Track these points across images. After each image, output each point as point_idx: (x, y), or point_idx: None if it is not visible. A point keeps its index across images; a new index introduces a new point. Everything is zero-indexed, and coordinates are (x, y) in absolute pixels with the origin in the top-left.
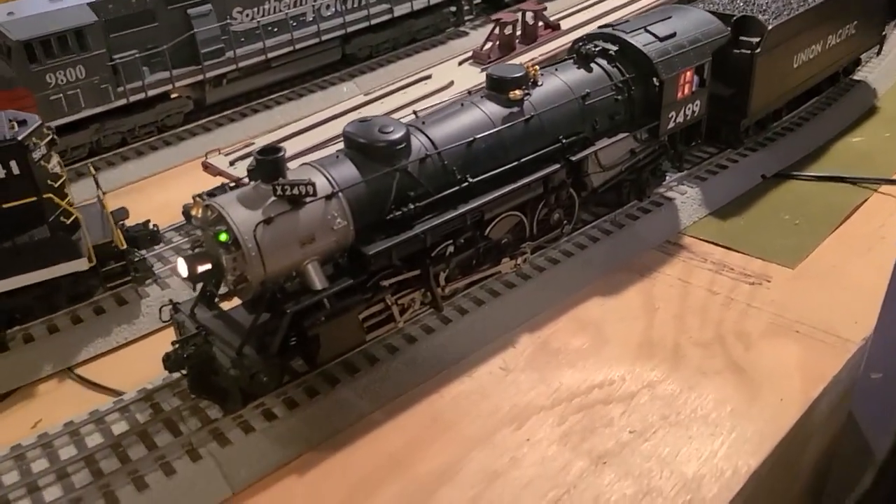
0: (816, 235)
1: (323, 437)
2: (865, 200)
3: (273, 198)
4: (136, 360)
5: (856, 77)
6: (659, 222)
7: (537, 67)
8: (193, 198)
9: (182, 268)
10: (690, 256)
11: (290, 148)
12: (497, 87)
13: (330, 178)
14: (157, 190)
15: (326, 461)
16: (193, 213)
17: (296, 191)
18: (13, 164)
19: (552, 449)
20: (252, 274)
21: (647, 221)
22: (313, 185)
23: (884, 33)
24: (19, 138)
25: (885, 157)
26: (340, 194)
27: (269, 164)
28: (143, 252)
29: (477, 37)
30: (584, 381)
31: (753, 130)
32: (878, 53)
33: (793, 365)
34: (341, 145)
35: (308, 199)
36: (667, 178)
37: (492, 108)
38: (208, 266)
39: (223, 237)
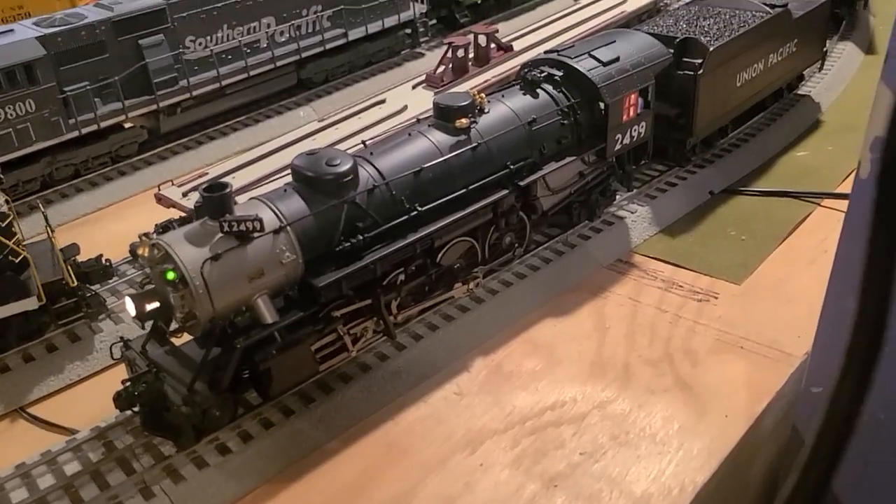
0: (762, 251)
1: (278, 469)
2: (809, 214)
3: (220, 234)
4: (91, 397)
5: (800, 92)
6: (610, 242)
7: (483, 95)
8: (140, 237)
9: (130, 307)
10: (641, 275)
11: (243, 178)
12: (444, 116)
13: (278, 212)
14: (112, 221)
15: (282, 493)
16: (140, 252)
17: (243, 227)
18: None
19: (505, 473)
20: (200, 311)
21: (598, 241)
22: (260, 220)
23: (825, 49)
24: None
25: (828, 171)
26: (289, 228)
27: (215, 200)
28: (96, 287)
29: (433, 58)
30: (536, 403)
31: (700, 148)
32: (820, 69)
33: (738, 381)
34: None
35: (256, 235)
36: (617, 197)
37: (439, 137)
38: (156, 304)
39: (170, 276)
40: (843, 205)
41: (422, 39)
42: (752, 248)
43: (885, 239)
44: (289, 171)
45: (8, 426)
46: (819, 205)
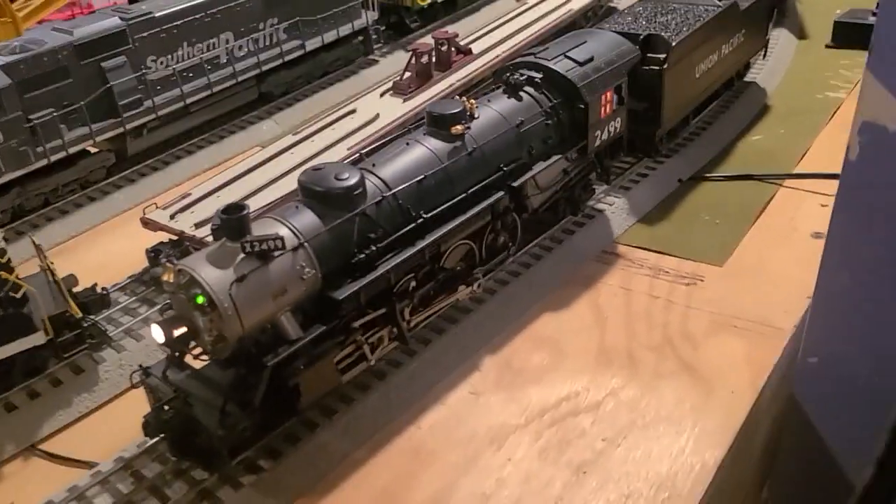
0: (736, 232)
1: (311, 482)
2: (774, 195)
3: (242, 255)
4: (102, 428)
5: (746, 79)
6: (593, 234)
7: (473, 101)
8: (163, 263)
9: (157, 334)
10: (628, 264)
11: (230, 195)
12: (438, 124)
13: (294, 229)
14: (87, 249)
15: None
16: (165, 278)
17: (265, 246)
18: None
19: (534, 465)
20: (229, 332)
21: (582, 235)
22: (282, 239)
23: (767, 37)
24: None
25: (783, 153)
26: (306, 244)
27: (235, 221)
28: (94, 317)
29: (386, 64)
30: (551, 395)
31: (666, 139)
32: (764, 56)
33: (738, 358)
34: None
35: (277, 253)
36: (595, 191)
37: (436, 145)
38: (184, 329)
39: (200, 300)
40: (805, 184)
41: (375, 46)
42: (727, 231)
43: None
44: (273, 184)
45: (22, 465)
46: (781, 185)
